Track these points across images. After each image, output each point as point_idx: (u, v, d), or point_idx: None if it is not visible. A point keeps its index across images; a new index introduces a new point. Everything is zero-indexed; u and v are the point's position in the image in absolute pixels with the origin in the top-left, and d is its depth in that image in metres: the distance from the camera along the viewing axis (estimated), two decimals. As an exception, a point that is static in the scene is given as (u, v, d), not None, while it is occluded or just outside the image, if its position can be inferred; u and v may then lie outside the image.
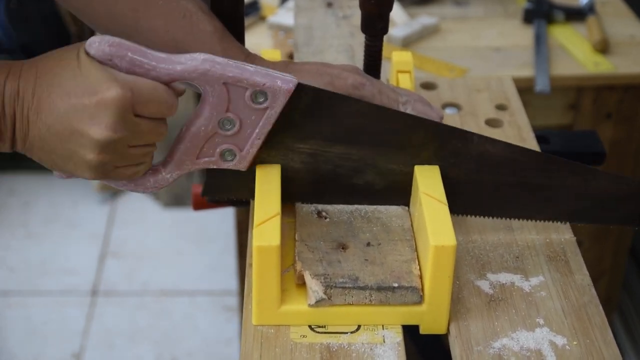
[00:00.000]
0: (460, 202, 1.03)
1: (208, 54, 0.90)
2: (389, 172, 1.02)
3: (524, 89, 1.73)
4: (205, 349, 2.51)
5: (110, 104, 0.84)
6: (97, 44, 0.85)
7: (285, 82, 0.92)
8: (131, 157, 0.89)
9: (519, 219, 1.06)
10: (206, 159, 0.96)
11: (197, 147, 0.95)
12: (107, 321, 2.60)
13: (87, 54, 0.86)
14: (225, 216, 2.79)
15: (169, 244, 2.87)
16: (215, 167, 0.97)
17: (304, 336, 0.92)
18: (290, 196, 1.02)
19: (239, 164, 0.97)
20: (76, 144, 0.85)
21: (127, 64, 0.86)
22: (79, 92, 0.84)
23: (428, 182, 0.98)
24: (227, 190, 1.05)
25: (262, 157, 0.99)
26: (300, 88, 0.94)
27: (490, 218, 1.06)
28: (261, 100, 0.92)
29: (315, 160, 1.00)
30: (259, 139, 0.95)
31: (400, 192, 1.03)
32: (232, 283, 2.67)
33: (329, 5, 1.69)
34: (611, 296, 2.18)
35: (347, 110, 0.98)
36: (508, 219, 1.06)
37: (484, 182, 1.02)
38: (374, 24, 1.11)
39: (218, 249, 2.83)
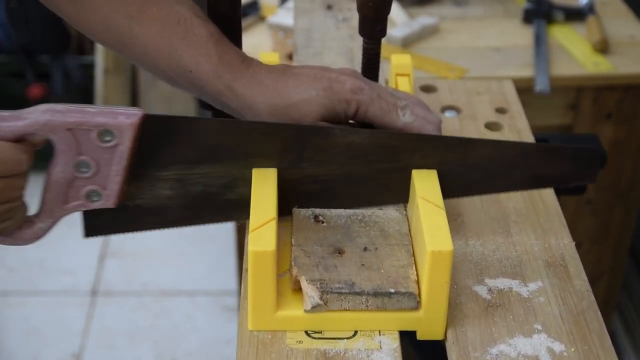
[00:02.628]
0: (339, 198, 1.03)
1: (49, 104, 0.92)
2: None
3: (524, 89, 1.73)
4: (205, 349, 2.51)
5: None
6: None
7: (128, 117, 0.93)
8: None
9: (404, 203, 1.05)
10: (75, 203, 0.97)
11: (62, 193, 0.96)
12: (107, 321, 2.60)
13: None
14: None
15: (169, 244, 2.86)
16: (86, 209, 0.98)
17: (300, 342, 0.92)
18: (169, 223, 1.03)
19: (106, 202, 0.97)
20: None
21: None
22: None
23: (425, 186, 0.98)
24: (107, 228, 1.04)
25: (130, 191, 0.99)
26: (147, 119, 0.94)
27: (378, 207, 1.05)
28: (108, 138, 0.93)
29: (183, 184, 1.00)
30: (118, 175, 0.96)
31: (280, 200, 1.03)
32: (232, 283, 2.67)
33: (329, 7, 1.68)
34: (611, 296, 2.18)
35: (199, 131, 0.98)
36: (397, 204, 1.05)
37: (359, 173, 1.02)
38: (372, 27, 1.10)
39: (218, 249, 2.83)
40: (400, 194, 1.03)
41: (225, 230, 2.81)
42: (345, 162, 1.01)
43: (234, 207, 1.03)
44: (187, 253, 2.83)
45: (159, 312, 2.63)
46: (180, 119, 0.97)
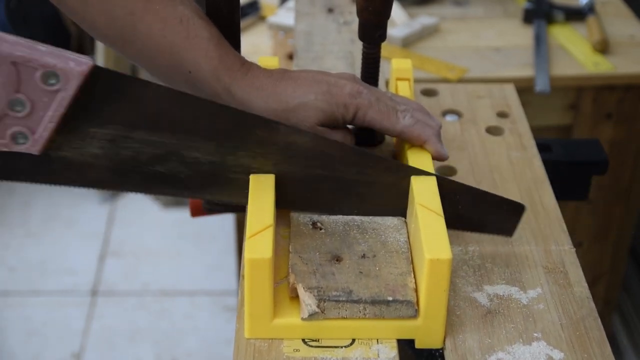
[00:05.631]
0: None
1: None
2: (194, 162, 0.99)
3: (524, 89, 1.72)
4: (205, 349, 2.51)
5: None
6: None
7: (78, 64, 0.89)
8: None
9: (330, 214, 1.03)
10: None
11: None
12: (107, 321, 2.60)
13: None
14: (225, 216, 2.77)
15: (169, 244, 2.86)
16: (6, 149, 0.93)
17: (297, 350, 0.91)
18: (88, 183, 0.99)
19: (31, 147, 0.92)
20: None
21: None
22: None
23: (424, 193, 0.97)
24: (22, 174, 0.99)
25: (58, 142, 0.95)
26: (97, 71, 0.90)
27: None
28: (53, 82, 0.88)
29: (114, 145, 0.97)
30: (52, 122, 0.91)
31: (207, 183, 1.01)
32: (232, 283, 2.66)
33: (330, 10, 1.67)
34: (611, 296, 2.18)
35: (147, 96, 0.94)
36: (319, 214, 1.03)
37: (293, 175, 1.00)
38: (372, 31, 1.09)
39: (218, 249, 2.82)
40: (321, 203, 1.02)
41: (226, 230, 2.81)
42: (280, 160, 0.99)
43: (160, 181, 1.00)
44: (187, 253, 2.83)
45: (159, 312, 2.63)
46: (131, 78, 0.94)
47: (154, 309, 2.64)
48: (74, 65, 0.88)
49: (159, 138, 0.97)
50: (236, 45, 1.10)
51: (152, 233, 2.90)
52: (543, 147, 1.26)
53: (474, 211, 1.03)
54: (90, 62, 0.89)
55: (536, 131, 1.29)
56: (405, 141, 1.04)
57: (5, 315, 2.62)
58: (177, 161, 0.99)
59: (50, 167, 0.97)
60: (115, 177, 0.99)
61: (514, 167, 1.19)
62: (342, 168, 1.00)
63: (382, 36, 1.10)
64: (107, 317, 2.61)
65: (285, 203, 1.02)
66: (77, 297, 2.68)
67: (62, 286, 2.72)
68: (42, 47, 0.88)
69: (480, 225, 1.05)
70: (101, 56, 2.97)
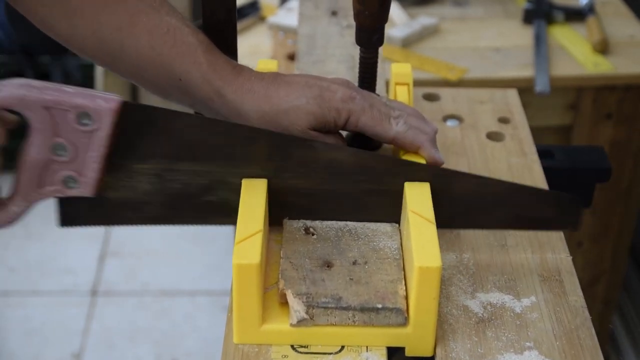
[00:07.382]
0: (319, 213, 1.01)
1: (24, 79, 0.88)
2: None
3: (524, 89, 1.71)
4: (205, 349, 2.51)
5: None
6: None
7: (107, 101, 0.90)
8: None
9: (380, 222, 1.03)
10: (51, 188, 0.93)
11: (37, 176, 0.92)
12: (107, 321, 2.60)
13: None
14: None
15: (169, 244, 2.86)
16: (62, 195, 0.94)
17: (285, 356, 0.90)
18: (147, 220, 1.00)
19: (83, 190, 0.94)
20: None
21: None
22: None
23: (417, 200, 0.96)
24: (83, 219, 1.00)
25: (107, 181, 0.95)
26: (127, 106, 0.91)
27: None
28: (86, 122, 0.90)
29: (162, 180, 0.97)
30: (95, 162, 0.92)
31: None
32: (232, 283, 2.66)
33: (334, 14, 1.65)
34: (611, 296, 2.17)
35: (179, 126, 0.95)
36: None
37: (339, 191, 1.00)
38: (369, 36, 1.08)
39: (218, 249, 2.82)
40: (387, 215, 1.01)
41: (226, 230, 2.80)
42: (325, 178, 0.99)
43: (213, 210, 1.00)
44: (187, 253, 2.82)
45: (159, 312, 2.62)
46: (162, 110, 0.94)
47: (154, 309, 2.64)
48: (102, 103, 0.89)
49: (202, 167, 0.97)
50: (233, 48, 1.09)
51: (152, 233, 2.88)
52: (545, 154, 1.25)
53: (531, 210, 1.02)
54: (118, 98, 0.90)
55: (536, 132, 1.28)
56: (399, 147, 1.03)
57: (5, 315, 2.62)
58: (226, 189, 0.99)
59: (109, 209, 0.98)
60: (170, 212, 1.00)
61: (513, 173, 1.18)
62: (386, 179, 0.99)
63: (380, 40, 1.09)
64: (107, 317, 2.61)
65: (342, 218, 1.02)
66: (77, 297, 2.67)
67: (62, 286, 2.71)
68: (70, 89, 0.89)
69: (542, 222, 1.03)
70: (100, 58, 2.96)
